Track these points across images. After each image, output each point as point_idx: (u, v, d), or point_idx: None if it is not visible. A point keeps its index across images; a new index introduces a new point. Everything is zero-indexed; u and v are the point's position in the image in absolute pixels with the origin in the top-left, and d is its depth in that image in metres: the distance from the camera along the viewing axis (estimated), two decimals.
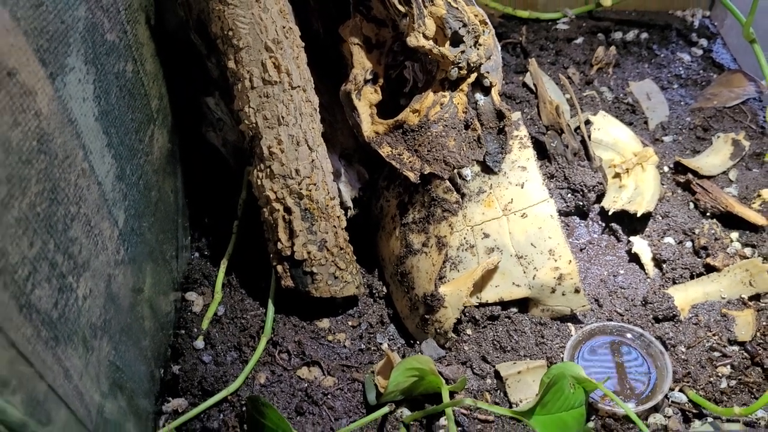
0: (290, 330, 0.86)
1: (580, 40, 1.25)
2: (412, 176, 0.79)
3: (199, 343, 0.85)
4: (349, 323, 0.88)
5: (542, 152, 1.00)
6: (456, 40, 0.76)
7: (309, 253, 0.82)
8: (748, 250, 0.93)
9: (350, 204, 0.92)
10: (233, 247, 0.93)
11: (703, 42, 1.28)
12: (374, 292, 0.90)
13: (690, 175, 1.01)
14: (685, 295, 0.89)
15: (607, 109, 1.13)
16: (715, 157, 1.04)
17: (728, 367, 0.82)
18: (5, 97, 0.47)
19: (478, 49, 0.78)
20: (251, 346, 0.84)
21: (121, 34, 0.70)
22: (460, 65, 0.77)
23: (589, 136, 1.00)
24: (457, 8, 0.74)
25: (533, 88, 1.06)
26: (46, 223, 0.53)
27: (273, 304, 0.87)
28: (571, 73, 1.18)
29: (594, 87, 1.17)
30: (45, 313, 0.53)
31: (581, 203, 0.97)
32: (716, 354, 0.84)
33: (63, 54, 0.57)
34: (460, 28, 0.75)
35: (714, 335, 0.85)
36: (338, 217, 0.84)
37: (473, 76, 0.80)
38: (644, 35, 1.28)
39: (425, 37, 0.73)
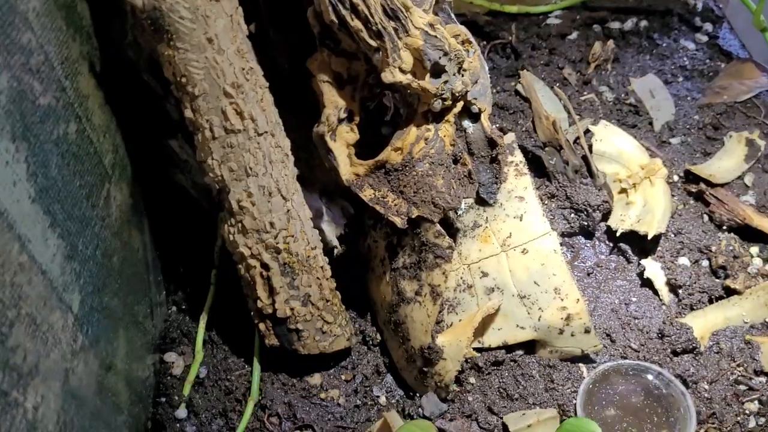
0: (279, 390, 0.79)
1: (574, 35, 1.16)
2: (399, 221, 0.71)
3: (181, 412, 0.78)
4: (343, 377, 0.81)
5: (540, 169, 0.92)
6: (437, 71, 0.68)
7: (292, 309, 0.75)
8: None
9: (336, 243, 0.85)
10: (213, 299, 0.86)
11: (708, 27, 1.19)
12: (368, 339, 0.84)
13: (702, 184, 0.93)
14: (704, 322, 0.82)
15: (608, 112, 1.05)
16: (728, 161, 0.96)
17: (756, 402, 0.76)
18: None
19: (462, 75, 0.70)
20: (238, 411, 0.78)
21: (58, 93, 0.62)
22: (443, 96, 0.69)
23: (591, 149, 0.92)
24: (435, 36, 0.66)
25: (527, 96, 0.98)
26: None
27: (259, 362, 0.80)
28: (567, 74, 1.09)
29: (593, 87, 1.09)
30: None
31: (586, 223, 0.89)
32: (742, 387, 0.77)
33: None
34: (440, 58, 0.66)
35: (738, 366, 0.78)
36: (321, 267, 0.76)
37: (459, 105, 0.72)
38: (643, 23, 1.19)
39: (402, 71, 0.65)
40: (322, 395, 0.79)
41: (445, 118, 0.72)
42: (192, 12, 0.64)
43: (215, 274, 0.87)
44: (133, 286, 0.78)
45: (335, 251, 0.85)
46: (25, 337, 0.52)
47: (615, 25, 1.18)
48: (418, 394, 0.78)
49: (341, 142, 0.72)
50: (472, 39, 0.75)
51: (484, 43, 1.16)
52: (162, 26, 0.65)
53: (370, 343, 0.83)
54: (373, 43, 0.64)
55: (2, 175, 0.51)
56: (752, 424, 0.74)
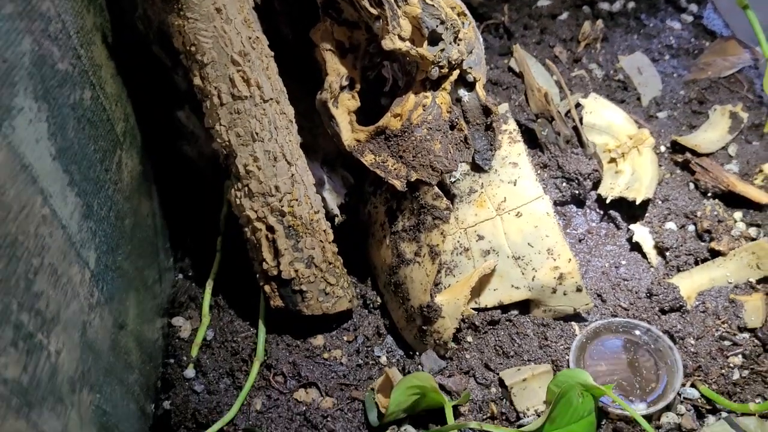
0: (284, 350, 0.82)
1: (564, 16, 1.19)
2: (399, 184, 0.75)
3: (190, 372, 0.81)
4: (345, 338, 0.84)
5: (533, 140, 0.95)
6: (434, 39, 0.71)
7: (297, 271, 0.78)
8: (753, 230, 0.89)
9: (337, 211, 0.88)
10: (218, 266, 0.89)
11: (693, 7, 1.22)
12: (368, 302, 0.87)
13: (688, 154, 0.97)
14: (690, 283, 0.86)
15: (597, 88, 1.08)
16: (712, 132, 1.00)
17: (740, 356, 0.80)
18: None
19: (458, 44, 0.74)
20: (244, 371, 0.81)
21: (74, 61, 0.65)
22: (440, 64, 0.72)
23: (581, 121, 0.96)
24: (432, 5, 0.69)
25: (520, 72, 1.01)
26: (5, 283, 0.49)
27: (264, 325, 0.83)
28: (558, 52, 1.13)
29: (583, 65, 1.12)
30: (14, 380, 0.49)
31: (577, 192, 0.93)
32: (726, 343, 0.81)
33: (8, 96, 0.52)
34: (437, 26, 0.70)
35: (723, 323, 0.82)
36: (324, 230, 0.80)
37: (455, 73, 0.75)
38: (631, 4, 1.22)
39: (401, 38, 0.68)
40: (326, 355, 0.82)
41: (442, 86, 0.75)
42: None
43: (221, 241, 0.90)
44: (143, 251, 0.81)
45: (336, 220, 0.88)
46: (48, 285, 0.56)
47: (604, 5, 1.21)
48: (417, 353, 0.82)
49: (343, 109, 0.75)
50: (467, 11, 0.79)
51: (478, 23, 1.19)
52: None
53: (371, 306, 0.87)
54: (373, 11, 0.67)
55: (27, 132, 0.54)
56: (736, 376, 0.78)
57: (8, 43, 0.53)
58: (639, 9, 1.22)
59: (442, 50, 0.72)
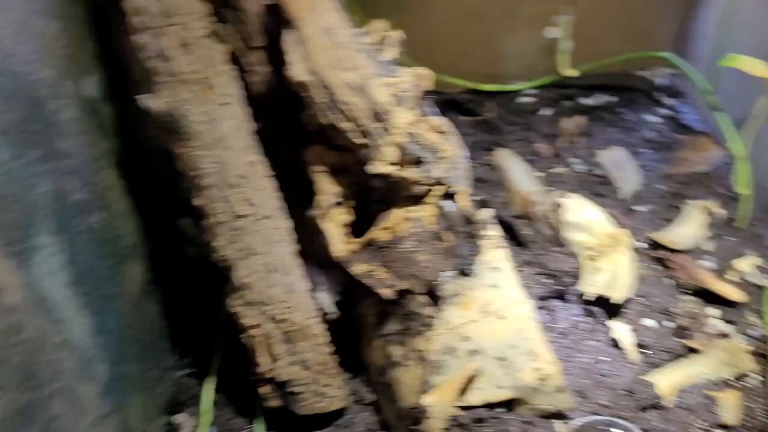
0: None
1: (547, 111, 1.26)
2: (386, 294, 0.80)
3: None
4: None
5: (516, 238, 1.01)
6: (418, 162, 0.77)
7: (292, 374, 0.82)
8: (727, 327, 0.93)
9: (333, 309, 0.92)
10: (219, 363, 0.93)
11: (669, 101, 1.30)
12: (362, 398, 0.91)
13: (664, 251, 1.02)
14: (669, 380, 0.90)
15: (578, 183, 1.14)
16: (687, 228, 1.05)
17: None
18: None
19: (441, 163, 0.80)
20: None
21: (88, 188, 0.71)
22: (424, 183, 0.78)
23: (561, 219, 1.01)
24: (415, 133, 0.75)
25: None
26: (26, 413, 0.53)
27: (262, 422, 0.87)
28: (539, 148, 1.19)
29: (563, 160, 1.19)
30: None
31: (559, 287, 0.98)
32: None
33: (30, 236, 0.58)
34: (420, 151, 0.76)
35: (703, 421, 0.85)
36: (318, 334, 0.84)
37: (439, 188, 0.81)
38: (610, 99, 1.30)
39: (386, 164, 0.74)
40: None
41: (427, 201, 0.81)
42: (203, 116, 0.74)
43: (221, 339, 0.94)
44: (147, 354, 0.85)
45: (332, 316, 0.93)
46: (64, 407, 0.60)
47: (584, 101, 1.28)
48: None
49: (333, 224, 0.81)
50: (451, 128, 0.85)
51: (463, 118, 1.26)
52: (175, 128, 0.74)
53: (364, 402, 0.90)
54: (360, 141, 0.73)
55: (46, 266, 0.60)
56: None
57: (30, 187, 0.59)
58: (618, 103, 1.29)
59: (426, 170, 0.78)
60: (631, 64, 1.33)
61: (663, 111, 1.28)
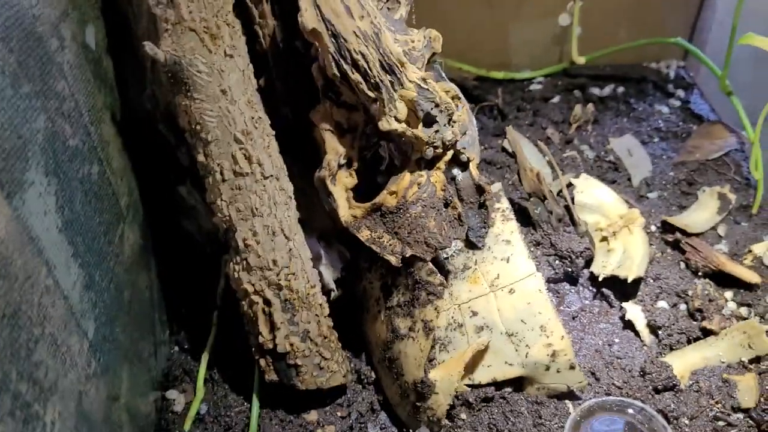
0: (277, 426, 0.82)
1: (556, 99, 1.24)
2: (394, 260, 0.76)
3: None
4: (338, 414, 0.84)
5: (526, 219, 0.98)
6: (429, 121, 0.74)
7: (292, 345, 0.79)
8: (744, 310, 0.90)
9: (332, 286, 0.89)
10: (214, 339, 0.89)
11: (680, 93, 1.28)
12: (362, 377, 0.87)
13: (678, 234, 0.99)
14: (683, 362, 0.86)
15: (589, 169, 1.12)
16: (701, 213, 1.02)
17: None
18: None
19: (452, 126, 0.77)
20: None
21: (84, 137, 0.68)
22: (435, 145, 0.75)
23: (573, 200, 0.98)
24: (427, 89, 0.72)
25: (513, 153, 1.05)
26: (6, 351, 0.50)
27: (258, 399, 0.83)
28: (550, 133, 1.17)
29: (574, 146, 1.16)
30: None
31: (570, 269, 0.95)
32: (721, 423, 0.80)
33: (21, 170, 0.55)
34: (432, 109, 0.73)
35: (717, 403, 0.82)
36: (320, 305, 0.81)
37: (449, 153, 0.78)
38: (620, 89, 1.28)
39: (397, 120, 0.71)
40: (319, 431, 0.82)
41: (437, 165, 0.78)
42: (209, 66, 0.71)
43: (217, 315, 0.91)
44: (140, 323, 0.82)
45: (331, 294, 0.89)
46: (48, 355, 0.56)
47: (594, 90, 1.26)
48: (411, 430, 0.81)
49: (340, 186, 0.78)
50: (461, 95, 0.82)
51: (472, 105, 1.24)
52: (181, 78, 0.71)
53: (365, 381, 0.87)
54: (371, 94, 0.71)
55: (36, 205, 0.56)
56: None
57: (24, 120, 0.56)
58: (628, 93, 1.27)
59: (437, 131, 0.75)
60: (642, 55, 1.31)
61: (674, 101, 1.26)
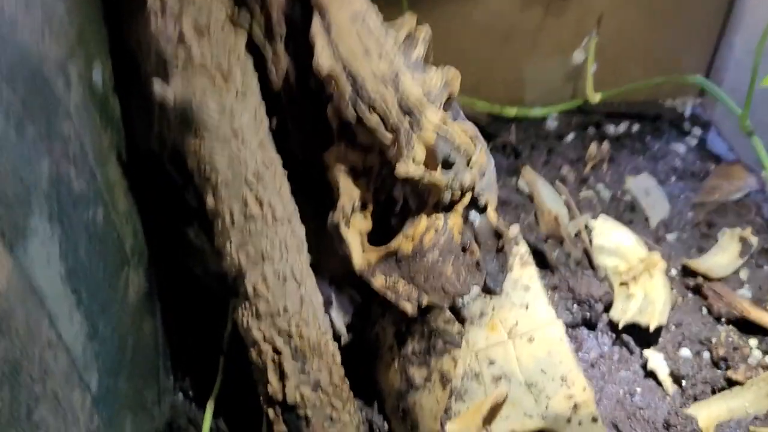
0: None
1: (571, 137, 1.22)
2: (410, 308, 0.73)
3: None
4: None
5: (543, 261, 0.95)
6: (447, 164, 0.72)
7: (302, 395, 0.75)
8: None
9: (343, 331, 0.86)
10: (220, 387, 0.86)
11: (697, 131, 1.25)
12: (375, 428, 0.83)
13: (700, 278, 0.96)
14: (708, 413, 0.83)
15: (605, 209, 1.09)
16: (722, 257, 0.99)
17: None
18: None
19: (471, 168, 0.74)
20: None
21: (89, 180, 0.66)
22: (452, 188, 0.73)
23: (591, 243, 0.95)
24: (447, 131, 0.70)
25: (529, 193, 1.02)
26: (5, 412, 0.47)
27: None
28: (565, 172, 1.15)
29: (590, 185, 1.14)
30: None
31: (588, 314, 0.91)
32: None
33: (24, 217, 0.52)
34: (451, 152, 0.71)
35: None
36: (332, 352, 0.77)
37: (468, 197, 0.76)
38: (636, 127, 1.25)
39: (415, 164, 0.69)
40: None
41: (454, 209, 0.76)
42: (220, 106, 0.69)
43: (223, 361, 0.88)
44: (144, 371, 0.79)
45: (342, 340, 0.86)
46: (49, 413, 0.53)
47: (609, 128, 1.24)
48: None
49: (354, 231, 0.75)
50: (479, 134, 0.80)
51: (486, 142, 1.21)
52: (190, 119, 0.69)
53: (378, 431, 0.83)
54: (389, 136, 0.68)
55: (39, 254, 0.54)
56: None
57: (28, 164, 0.54)
58: (644, 131, 1.25)
59: (455, 175, 0.72)
60: (659, 93, 1.29)
61: (690, 140, 1.24)
